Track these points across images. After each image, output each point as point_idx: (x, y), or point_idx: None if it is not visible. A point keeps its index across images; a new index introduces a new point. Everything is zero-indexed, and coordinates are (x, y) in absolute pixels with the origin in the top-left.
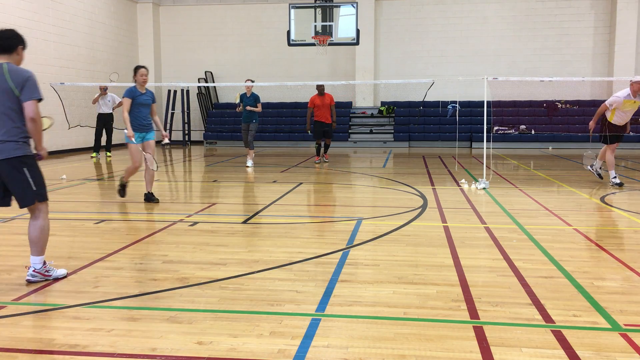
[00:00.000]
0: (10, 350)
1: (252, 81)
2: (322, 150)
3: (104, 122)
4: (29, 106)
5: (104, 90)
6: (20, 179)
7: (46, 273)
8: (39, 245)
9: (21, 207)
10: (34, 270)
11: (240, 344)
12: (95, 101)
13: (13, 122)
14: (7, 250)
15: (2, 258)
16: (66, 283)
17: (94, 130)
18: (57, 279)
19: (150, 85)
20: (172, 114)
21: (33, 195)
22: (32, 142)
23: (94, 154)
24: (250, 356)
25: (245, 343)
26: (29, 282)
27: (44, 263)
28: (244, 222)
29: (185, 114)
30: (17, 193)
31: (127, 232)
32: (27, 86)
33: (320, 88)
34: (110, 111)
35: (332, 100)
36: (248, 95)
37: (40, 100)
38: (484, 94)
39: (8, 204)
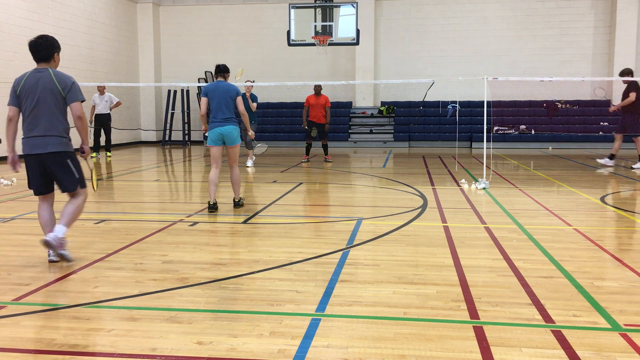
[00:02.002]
0: (10, 350)
1: (253, 81)
2: (310, 149)
3: (102, 122)
4: (75, 106)
5: (101, 91)
6: (64, 170)
7: (63, 242)
8: (69, 217)
9: (64, 192)
10: (55, 235)
11: (240, 344)
12: (91, 116)
13: (59, 120)
14: (7, 250)
15: (2, 258)
16: (66, 283)
17: (93, 130)
18: (62, 256)
19: (150, 85)
20: (172, 114)
21: (76, 182)
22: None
23: (93, 154)
24: (250, 356)
25: (245, 343)
26: (45, 243)
27: (64, 237)
28: (244, 222)
29: (185, 114)
30: (62, 181)
31: (127, 232)
32: (72, 89)
33: (317, 88)
34: (108, 111)
35: (327, 102)
36: (248, 96)
37: (83, 101)
38: (484, 94)
39: (51, 190)
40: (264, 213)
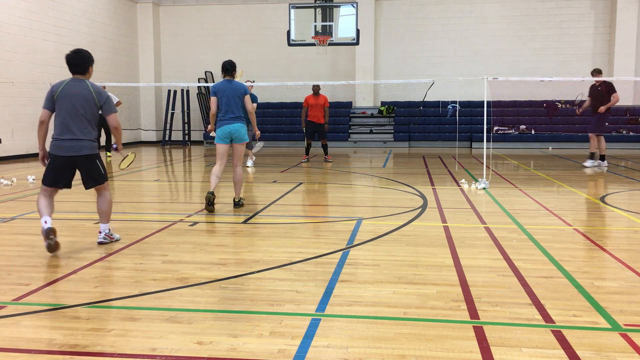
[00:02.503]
0: (10, 350)
1: (253, 81)
2: (310, 149)
3: (102, 122)
4: (112, 118)
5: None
6: (96, 169)
7: (112, 236)
8: (107, 214)
9: (93, 187)
10: (105, 235)
11: (240, 344)
12: None
13: (92, 126)
14: (7, 250)
15: (2, 258)
16: (66, 283)
17: None
18: (116, 240)
19: (150, 85)
20: (172, 114)
21: (103, 178)
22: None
23: None
24: (250, 356)
25: (245, 343)
26: (101, 243)
27: (110, 229)
28: (244, 222)
29: (185, 114)
30: (96, 177)
31: (127, 232)
32: (107, 102)
33: (315, 88)
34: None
35: (326, 102)
36: None
37: (116, 112)
38: (484, 94)
39: (63, 187)
40: (264, 213)
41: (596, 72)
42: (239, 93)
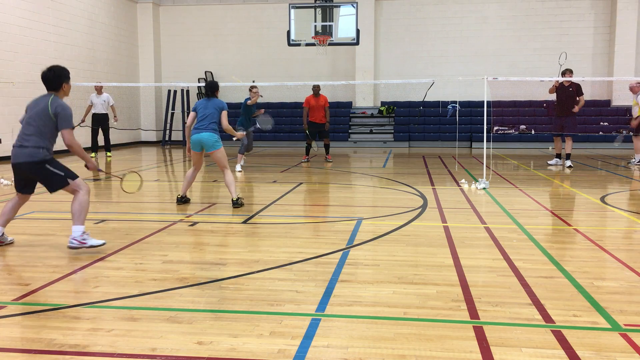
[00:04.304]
0: (10, 350)
1: (255, 86)
2: (311, 149)
3: (100, 122)
4: (64, 135)
5: (99, 90)
6: (47, 174)
7: (82, 241)
8: (77, 215)
9: (54, 191)
10: (73, 238)
11: (240, 344)
12: (85, 116)
13: (39, 136)
14: (7, 250)
15: (2, 258)
16: (66, 283)
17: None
18: (92, 247)
19: (150, 85)
20: (172, 114)
21: (60, 182)
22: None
23: (92, 154)
24: (250, 356)
25: (245, 343)
26: (70, 248)
27: (82, 233)
28: (244, 222)
29: (185, 114)
30: (46, 183)
31: (127, 232)
32: (61, 118)
33: (315, 89)
34: (106, 111)
35: (326, 102)
36: (253, 104)
37: (72, 128)
38: (484, 94)
39: (31, 192)
40: (264, 213)
41: (568, 72)
42: (217, 107)
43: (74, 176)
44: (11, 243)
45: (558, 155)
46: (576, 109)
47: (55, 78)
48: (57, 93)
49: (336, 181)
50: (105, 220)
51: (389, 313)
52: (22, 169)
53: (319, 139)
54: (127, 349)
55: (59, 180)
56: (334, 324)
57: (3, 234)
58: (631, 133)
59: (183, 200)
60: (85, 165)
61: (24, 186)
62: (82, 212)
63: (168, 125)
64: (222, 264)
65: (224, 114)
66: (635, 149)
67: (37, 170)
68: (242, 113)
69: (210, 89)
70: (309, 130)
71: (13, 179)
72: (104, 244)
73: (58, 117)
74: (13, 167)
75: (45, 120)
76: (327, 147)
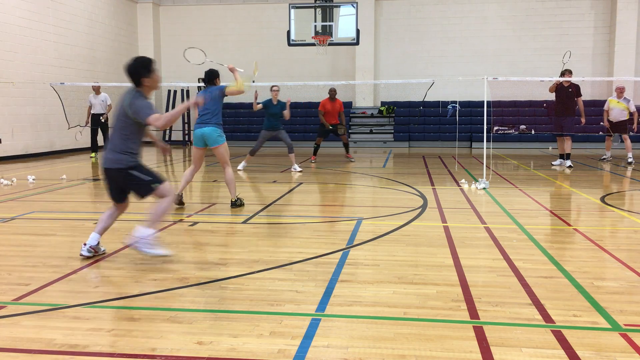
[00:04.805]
0: (10, 350)
1: (278, 87)
2: (318, 150)
3: (99, 122)
4: (153, 121)
5: (97, 90)
6: (133, 181)
7: (145, 248)
8: (152, 218)
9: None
10: (139, 237)
11: (240, 344)
12: (88, 117)
13: (120, 138)
14: (7, 250)
15: (2, 258)
16: (66, 283)
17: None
18: (153, 255)
19: None
20: None
21: (149, 184)
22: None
23: (92, 154)
24: (250, 356)
25: (245, 343)
26: (130, 246)
27: (148, 236)
28: (244, 222)
29: (185, 114)
30: (134, 190)
31: (127, 232)
32: (137, 112)
33: (332, 93)
34: (104, 111)
35: (342, 107)
36: (275, 103)
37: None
38: (484, 94)
39: (126, 200)
40: (264, 213)
41: (567, 72)
42: (213, 95)
43: (161, 180)
44: (103, 254)
45: (562, 156)
46: (582, 120)
47: (133, 74)
48: (138, 88)
49: (336, 181)
50: None
51: (389, 313)
52: (111, 175)
53: (336, 137)
54: (127, 349)
55: (146, 186)
56: (334, 324)
57: (98, 243)
58: (601, 133)
59: (180, 201)
60: (194, 103)
61: (117, 194)
62: (159, 218)
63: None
64: (222, 264)
65: (222, 92)
66: (626, 148)
67: (123, 177)
68: (266, 115)
69: (209, 76)
70: (323, 130)
71: (105, 186)
72: (168, 254)
73: (135, 111)
74: (103, 173)
75: (125, 121)
76: (346, 146)
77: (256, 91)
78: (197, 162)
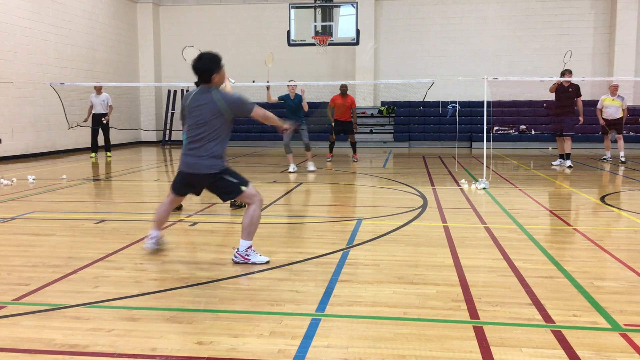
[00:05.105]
0: (10, 350)
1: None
2: (332, 148)
3: (100, 122)
4: (255, 114)
5: (98, 90)
6: (224, 185)
7: (246, 257)
8: (247, 229)
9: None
10: (237, 253)
11: (240, 344)
12: (88, 116)
13: (211, 141)
14: (7, 250)
15: (2, 258)
16: (66, 283)
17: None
18: (254, 264)
19: (150, 85)
20: (172, 114)
21: (237, 186)
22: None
23: (92, 154)
24: (250, 356)
25: (245, 343)
26: (234, 262)
27: (248, 248)
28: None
29: None
30: (224, 194)
31: (127, 232)
32: (237, 105)
33: (343, 88)
34: (105, 111)
35: (353, 103)
36: (292, 97)
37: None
38: (484, 94)
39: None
40: (264, 213)
41: (567, 72)
42: None
43: (247, 182)
44: (167, 246)
45: (562, 156)
46: (581, 119)
47: (205, 71)
48: (209, 85)
49: (336, 181)
50: (105, 220)
51: (389, 313)
52: (198, 179)
53: (344, 136)
54: (127, 349)
55: (234, 189)
56: (334, 324)
57: (162, 237)
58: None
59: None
60: (282, 130)
61: (186, 191)
62: (252, 227)
63: (168, 125)
64: (222, 264)
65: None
66: (619, 147)
67: (215, 181)
68: (286, 110)
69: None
70: (335, 128)
71: (175, 180)
72: (267, 261)
73: (237, 106)
74: (184, 175)
75: (221, 120)
76: (353, 145)
77: (268, 82)
78: None
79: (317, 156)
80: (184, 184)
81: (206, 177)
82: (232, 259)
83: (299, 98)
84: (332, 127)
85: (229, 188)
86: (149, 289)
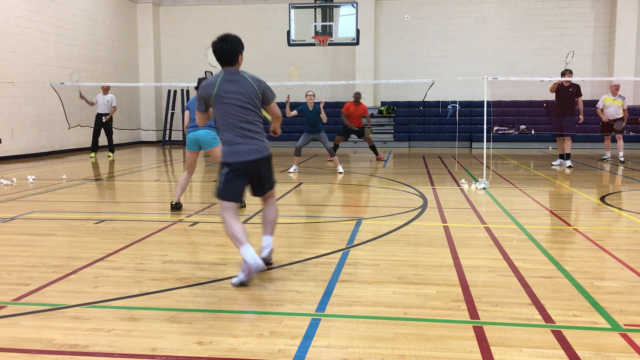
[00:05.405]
0: (10, 350)
1: (314, 93)
2: (337, 151)
3: (102, 122)
4: (276, 106)
5: (105, 90)
6: (271, 171)
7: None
8: (275, 225)
9: (266, 193)
10: (269, 251)
11: (240, 344)
12: (90, 103)
13: (260, 127)
14: (7, 250)
15: (2, 258)
16: (66, 283)
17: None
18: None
19: (150, 85)
20: (172, 114)
21: (274, 180)
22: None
23: (92, 154)
24: (250, 356)
25: (245, 343)
26: (266, 260)
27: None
28: (244, 222)
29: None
30: (270, 182)
31: (127, 232)
32: (267, 90)
33: (356, 97)
34: (108, 112)
35: (365, 111)
36: (311, 109)
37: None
38: (484, 94)
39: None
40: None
41: (568, 72)
42: None
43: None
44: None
45: (562, 156)
46: (581, 118)
47: (233, 52)
48: (234, 67)
49: (336, 181)
50: (105, 220)
51: (389, 313)
52: (264, 163)
53: (359, 139)
54: (127, 349)
55: (273, 180)
56: (334, 324)
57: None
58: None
59: (177, 207)
60: (273, 132)
61: (243, 191)
62: (276, 222)
63: (168, 125)
64: (222, 264)
65: None
66: (619, 147)
67: (269, 165)
68: (305, 121)
69: (199, 84)
70: (344, 129)
71: (231, 186)
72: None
73: (266, 90)
74: (249, 164)
75: (259, 104)
76: (373, 148)
77: (288, 95)
78: (191, 167)
79: (316, 156)
80: (242, 180)
81: (269, 160)
82: (262, 257)
83: (317, 109)
84: (347, 130)
85: (273, 174)
86: (149, 289)
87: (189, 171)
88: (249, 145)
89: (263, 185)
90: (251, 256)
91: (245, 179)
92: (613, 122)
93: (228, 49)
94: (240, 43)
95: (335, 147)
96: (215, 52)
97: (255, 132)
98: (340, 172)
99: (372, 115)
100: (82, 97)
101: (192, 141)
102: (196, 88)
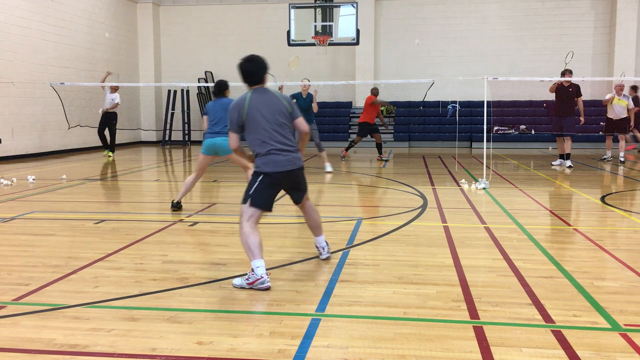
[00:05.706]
0: (10, 350)
1: (309, 80)
2: (350, 147)
3: (106, 119)
4: (302, 121)
5: (113, 89)
6: (304, 180)
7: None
8: (321, 224)
9: (301, 200)
10: (326, 250)
11: (240, 344)
12: (104, 79)
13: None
14: (7, 250)
15: (2, 258)
16: (66, 283)
17: (94, 130)
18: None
19: (150, 85)
20: (172, 114)
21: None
22: None
23: (105, 152)
24: (250, 356)
25: (245, 343)
26: (326, 259)
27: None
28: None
29: (185, 114)
30: (304, 190)
31: (127, 232)
32: (295, 107)
33: (375, 92)
34: (112, 109)
35: (367, 100)
36: (304, 97)
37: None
38: (484, 94)
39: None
40: (264, 213)
41: (568, 72)
42: (224, 109)
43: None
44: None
45: (562, 156)
46: (582, 120)
47: (258, 72)
48: (262, 85)
49: (336, 181)
50: (105, 220)
51: (389, 313)
52: (295, 175)
53: (371, 137)
54: (127, 349)
55: (306, 183)
56: (334, 324)
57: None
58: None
59: (178, 206)
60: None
61: (273, 201)
62: (320, 220)
63: (168, 125)
64: (222, 264)
65: None
66: (620, 147)
67: (302, 175)
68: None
69: (218, 88)
70: (365, 129)
71: (263, 193)
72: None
73: (294, 107)
74: (283, 175)
75: (290, 118)
76: (379, 146)
77: (281, 86)
78: (201, 171)
79: (316, 156)
80: (275, 191)
81: (301, 171)
82: (323, 258)
83: (310, 98)
84: (365, 130)
85: (305, 182)
86: (149, 289)
87: (197, 173)
88: (285, 156)
89: (299, 191)
90: (261, 273)
91: (277, 190)
92: (618, 122)
93: (254, 69)
94: (265, 63)
95: (352, 144)
96: (242, 72)
97: (289, 145)
98: (329, 172)
99: None
100: (108, 74)
101: (209, 147)
102: (214, 93)
